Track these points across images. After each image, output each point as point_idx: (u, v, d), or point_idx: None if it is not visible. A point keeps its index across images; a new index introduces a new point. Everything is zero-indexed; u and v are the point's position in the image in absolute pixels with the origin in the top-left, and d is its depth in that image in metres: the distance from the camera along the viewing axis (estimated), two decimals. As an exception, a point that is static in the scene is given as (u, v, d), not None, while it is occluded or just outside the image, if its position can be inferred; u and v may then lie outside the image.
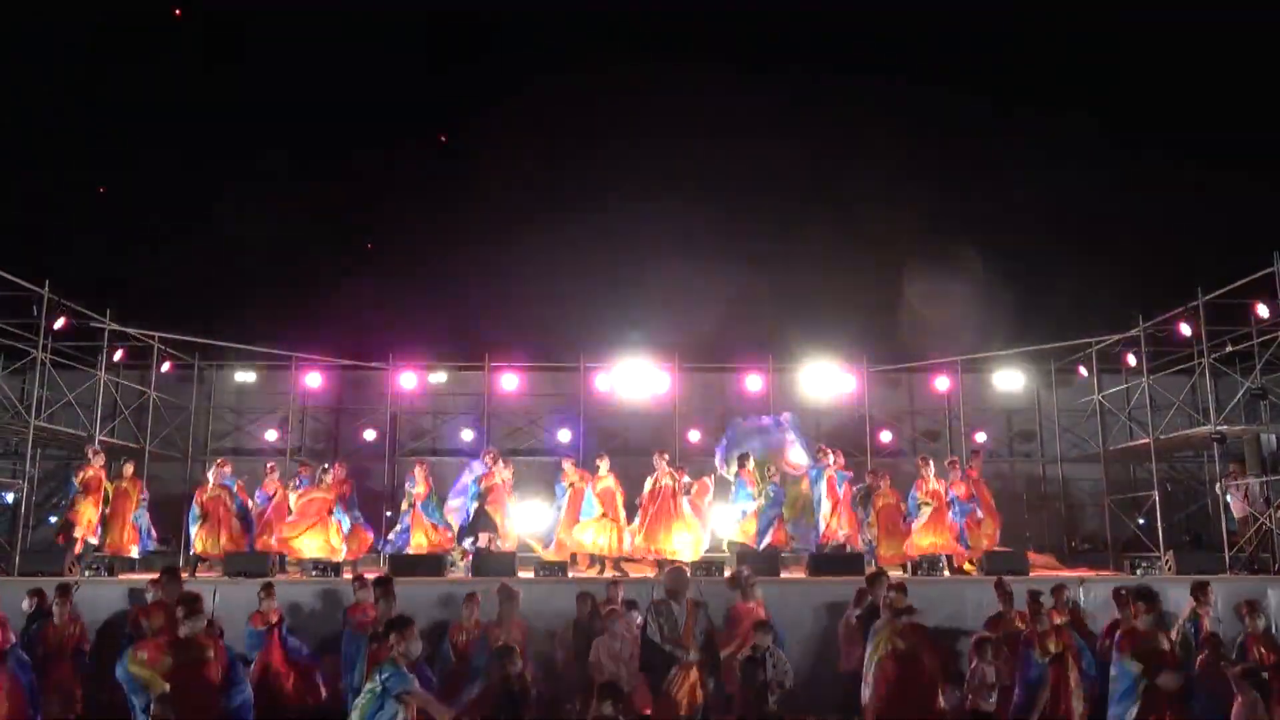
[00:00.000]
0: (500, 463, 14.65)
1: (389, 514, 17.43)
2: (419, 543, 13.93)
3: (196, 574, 13.43)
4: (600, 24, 24.37)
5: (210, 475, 14.57)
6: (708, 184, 24.38)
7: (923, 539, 13.61)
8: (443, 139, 24.55)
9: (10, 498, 16.20)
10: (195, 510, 14.21)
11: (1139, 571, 12.42)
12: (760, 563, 12.46)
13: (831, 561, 13.04)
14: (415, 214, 23.52)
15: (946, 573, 13.24)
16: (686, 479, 14.27)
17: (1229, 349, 15.39)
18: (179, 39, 23.77)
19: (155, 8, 23.43)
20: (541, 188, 24.23)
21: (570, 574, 12.84)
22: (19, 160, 21.86)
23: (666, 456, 14.43)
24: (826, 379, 18.83)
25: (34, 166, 21.99)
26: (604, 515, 13.92)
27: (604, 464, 14.50)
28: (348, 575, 12.19)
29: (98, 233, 21.55)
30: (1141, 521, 17.11)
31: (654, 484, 13.95)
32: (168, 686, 6.86)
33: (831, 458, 14.62)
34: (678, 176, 24.06)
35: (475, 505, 14.17)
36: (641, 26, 24.76)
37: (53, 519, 17.49)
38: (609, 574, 13.06)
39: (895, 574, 13.57)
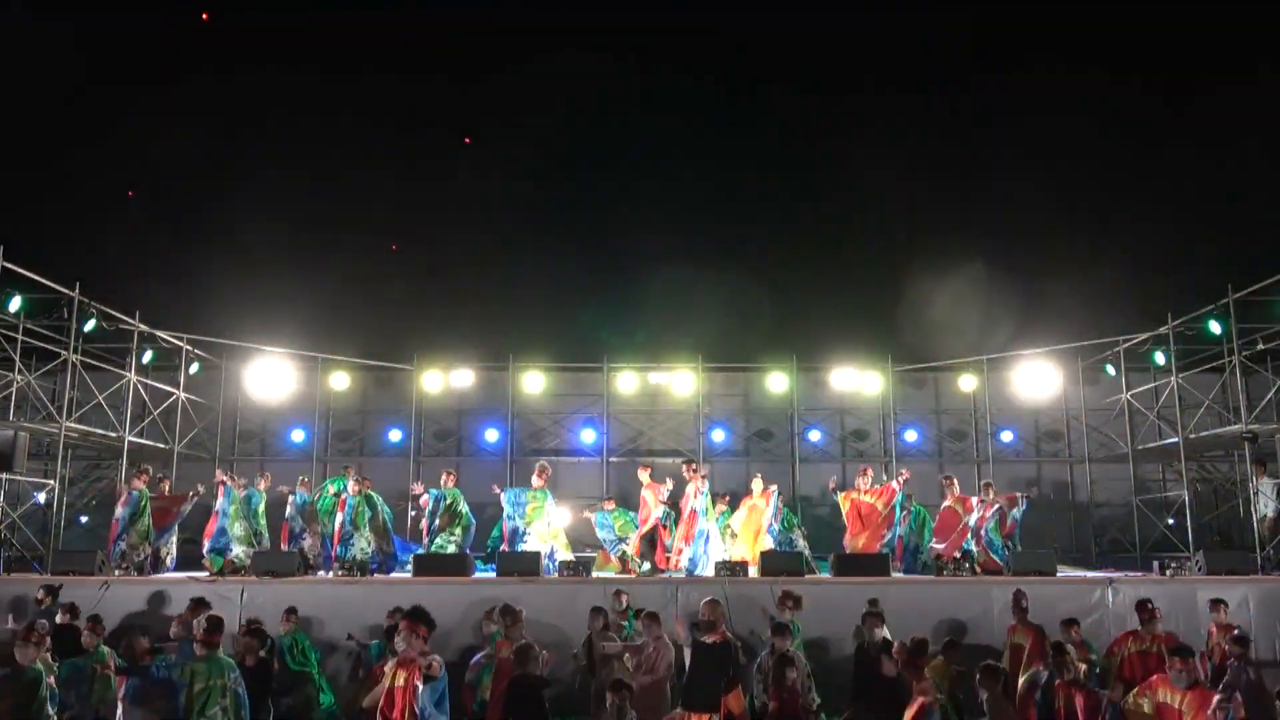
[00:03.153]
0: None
1: (414, 514, 17.54)
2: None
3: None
4: (616, 28, 24.36)
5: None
6: (731, 185, 24.34)
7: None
8: (466, 140, 24.61)
9: (42, 498, 16.41)
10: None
11: (1168, 572, 12.27)
12: (785, 564, 12.42)
13: (856, 563, 12.99)
14: (439, 215, 23.58)
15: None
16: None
17: (1260, 346, 15.18)
18: (205, 40, 23.98)
19: (182, 10, 23.66)
20: (563, 189, 24.24)
21: (594, 573, 12.86)
22: (48, 165, 22.13)
23: (694, 465, 14.30)
24: (850, 379, 18.77)
25: (63, 171, 22.25)
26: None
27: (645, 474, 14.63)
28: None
29: (126, 236, 21.76)
30: (1171, 522, 16.95)
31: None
32: None
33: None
34: (702, 178, 24.03)
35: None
36: (655, 29, 24.72)
37: (83, 519, 17.74)
38: (629, 574, 13.15)
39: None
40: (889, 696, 8.30)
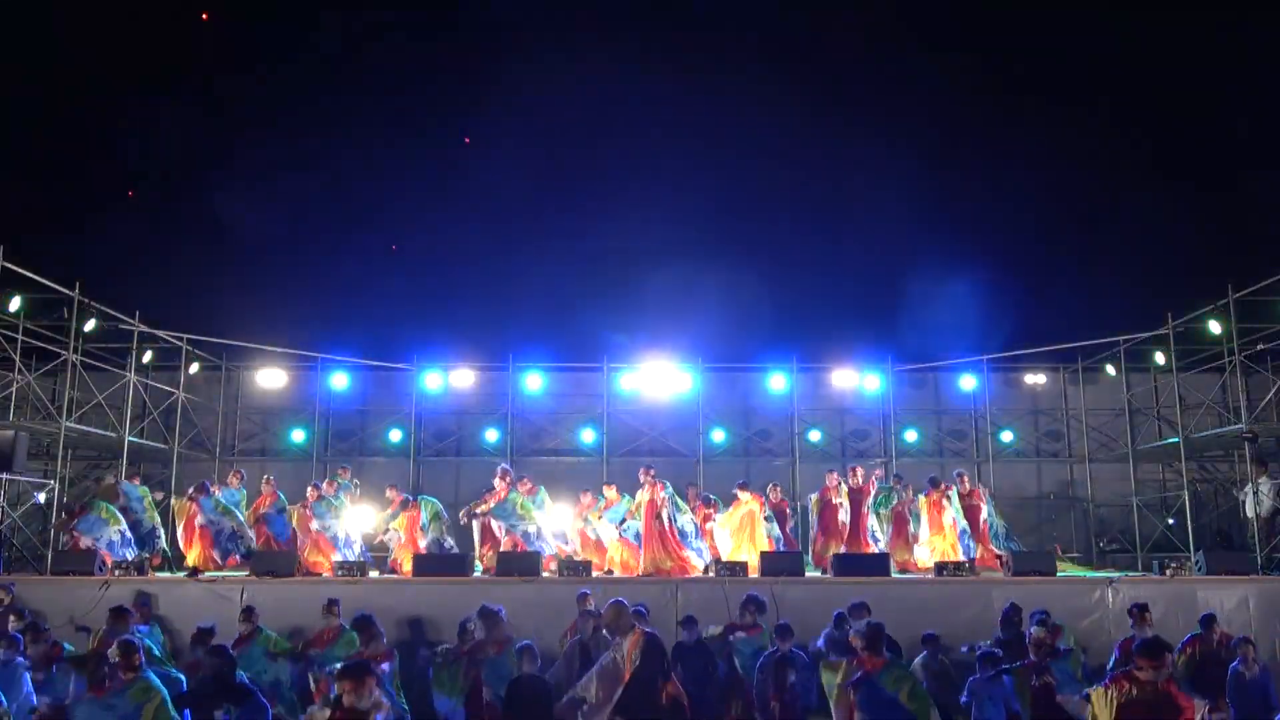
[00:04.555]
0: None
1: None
2: None
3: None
4: (616, 28, 24.37)
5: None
6: (732, 185, 24.34)
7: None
8: (466, 140, 24.62)
9: (42, 498, 16.39)
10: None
11: (1168, 572, 12.26)
12: (785, 565, 12.41)
13: (856, 563, 12.97)
14: (438, 215, 23.59)
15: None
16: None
17: (1260, 347, 15.18)
18: (203, 41, 23.99)
19: (182, 10, 23.67)
20: (563, 189, 24.25)
21: (594, 574, 12.84)
22: (49, 165, 22.14)
23: (653, 473, 13.92)
24: (850, 379, 18.79)
25: (63, 171, 22.27)
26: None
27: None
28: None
29: (126, 236, 21.77)
30: (1171, 522, 16.95)
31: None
32: None
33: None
34: (700, 178, 24.02)
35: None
36: (655, 28, 24.74)
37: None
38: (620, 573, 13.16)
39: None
40: None
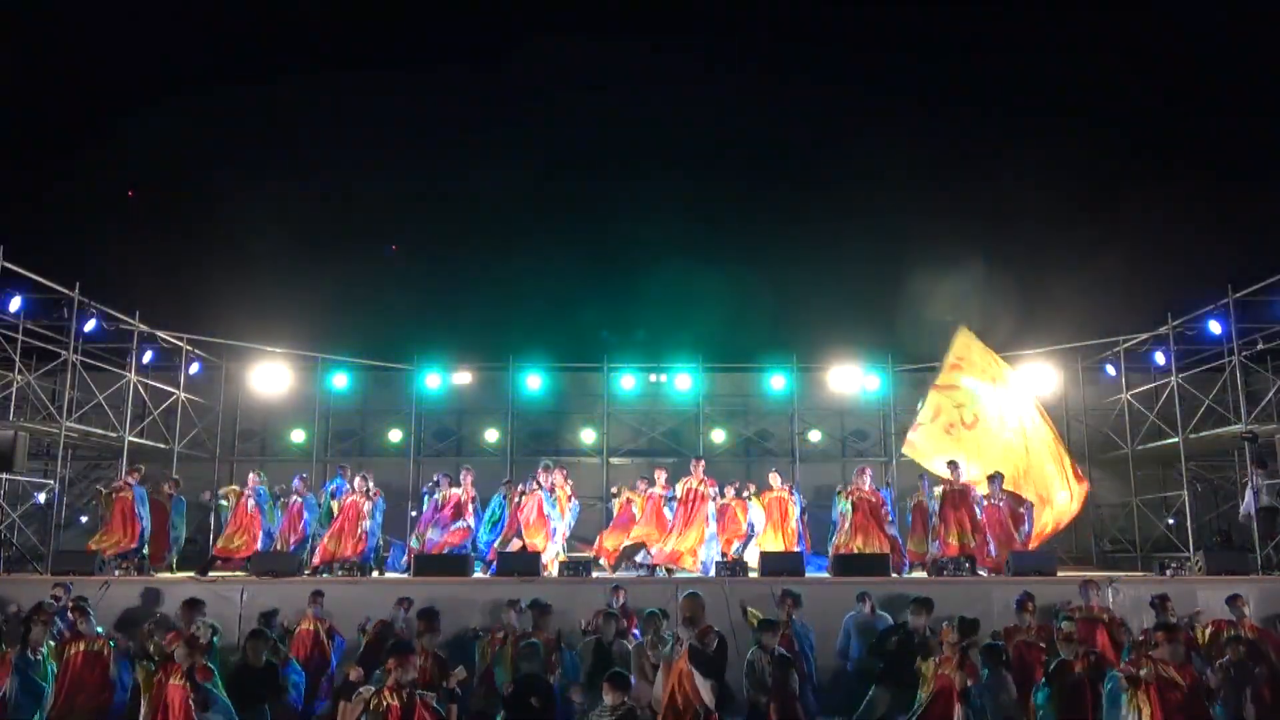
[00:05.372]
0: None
1: (414, 514, 17.51)
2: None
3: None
4: (616, 28, 24.42)
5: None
6: (732, 185, 24.37)
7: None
8: (465, 141, 24.66)
9: (42, 498, 16.40)
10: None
11: (1168, 572, 12.26)
12: (786, 564, 12.42)
13: (855, 562, 12.96)
14: (439, 215, 23.61)
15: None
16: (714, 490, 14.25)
17: (1260, 346, 15.18)
18: (205, 42, 24.04)
19: (182, 11, 23.71)
20: (563, 189, 24.27)
21: (594, 574, 12.84)
22: (48, 165, 22.15)
23: (703, 465, 14.29)
24: (850, 379, 18.79)
25: (63, 171, 22.27)
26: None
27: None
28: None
29: (126, 236, 21.79)
30: (1171, 522, 16.94)
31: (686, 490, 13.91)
32: None
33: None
34: (700, 178, 24.05)
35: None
36: (656, 29, 24.77)
37: (83, 519, 17.73)
38: (621, 574, 13.18)
39: (918, 574, 13.64)
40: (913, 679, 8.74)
